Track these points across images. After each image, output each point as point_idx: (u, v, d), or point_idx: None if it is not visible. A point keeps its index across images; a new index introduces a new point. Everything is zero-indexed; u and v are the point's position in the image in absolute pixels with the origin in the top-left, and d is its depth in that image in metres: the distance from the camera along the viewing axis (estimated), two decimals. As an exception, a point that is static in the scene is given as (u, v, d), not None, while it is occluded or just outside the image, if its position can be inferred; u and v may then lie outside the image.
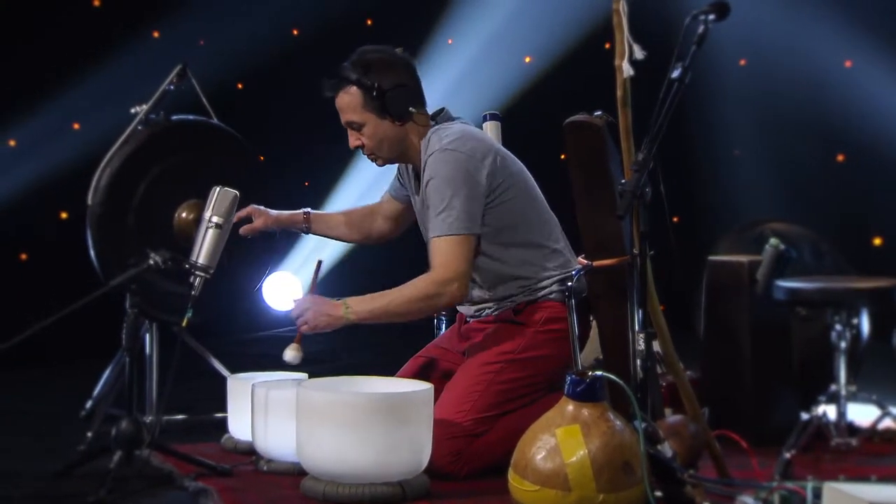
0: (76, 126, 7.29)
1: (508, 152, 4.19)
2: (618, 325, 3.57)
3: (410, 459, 3.69)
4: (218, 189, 4.01)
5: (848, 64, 7.59)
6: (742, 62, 7.89)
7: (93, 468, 3.99)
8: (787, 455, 3.93)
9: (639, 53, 3.32)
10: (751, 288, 4.46)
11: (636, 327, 3.31)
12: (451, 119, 4.21)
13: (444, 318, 5.24)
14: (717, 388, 4.53)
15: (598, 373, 3.16)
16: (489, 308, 4.18)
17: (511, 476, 3.18)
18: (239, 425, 4.43)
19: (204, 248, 3.97)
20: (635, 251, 3.37)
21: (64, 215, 7.32)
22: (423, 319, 4.57)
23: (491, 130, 5.01)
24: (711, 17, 3.40)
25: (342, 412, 3.64)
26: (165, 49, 7.42)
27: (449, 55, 8.46)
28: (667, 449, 3.19)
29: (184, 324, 3.96)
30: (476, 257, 4.06)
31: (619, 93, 3.35)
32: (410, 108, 4.10)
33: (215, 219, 3.98)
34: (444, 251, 3.97)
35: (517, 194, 4.09)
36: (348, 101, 4.10)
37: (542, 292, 4.10)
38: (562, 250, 4.16)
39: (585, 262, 3.68)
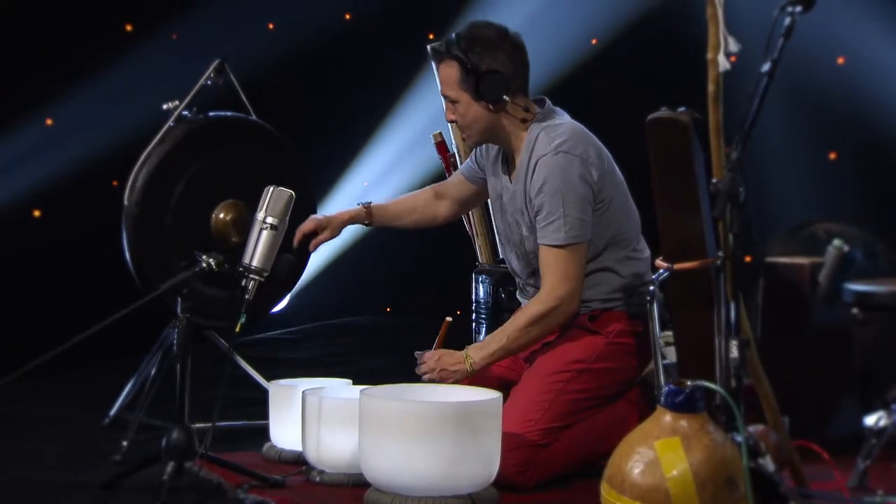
0: (49, 122, 7.12)
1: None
2: (699, 332, 3.40)
3: (481, 471, 3.54)
4: (272, 189, 3.83)
5: (840, 61, 7.48)
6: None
7: (138, 479, 3.83)
8: (863, 465, 3.81)
9: (733, 46, 3.17)
10: (812, 291, 4.32)
11: (727, 334, 3.16)
12: (553, 112, 4.02)
13: (483, 320, 5.08)
14: (776, 394, 4.37)
15: (700, 382, 3.00)
16: None
17: (605, 490, 3.03)
18: (283, 434, 4.26)
19: (258, 250, 3.79)
20: (720, 253, 3.22)
21: (37, 213, 7.18)
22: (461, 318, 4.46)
23: None
24: (798, 8, 3.26)
25: (411, 422, 3.48)
26: (137, 43, 7.28)
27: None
28: (769, 463, 3.04)
29: (237, 329, 3.79)
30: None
31: (710, 88, 3.19)
32: (505, 97, 3.91)
33: (270, 219, 3.80)
34: (559, 263, 3.86)
35: (618, 200, 3.97)
36: (446, 74, 3.96)
37: (618, 302, 3.97)
38: (644, 259, 4.05)
39: (665, 265, 3.50)
